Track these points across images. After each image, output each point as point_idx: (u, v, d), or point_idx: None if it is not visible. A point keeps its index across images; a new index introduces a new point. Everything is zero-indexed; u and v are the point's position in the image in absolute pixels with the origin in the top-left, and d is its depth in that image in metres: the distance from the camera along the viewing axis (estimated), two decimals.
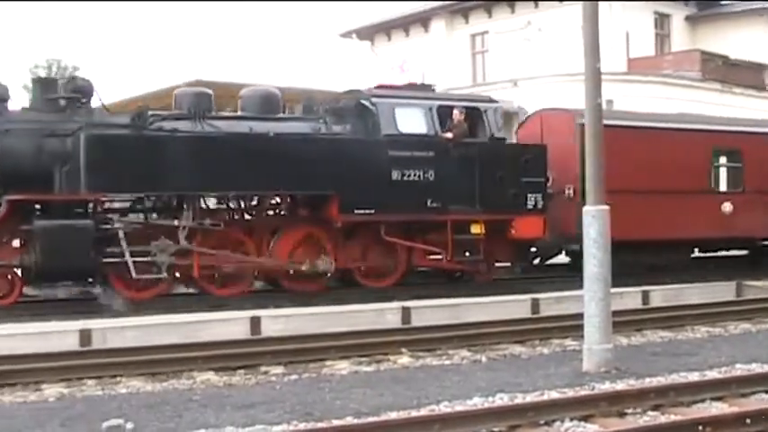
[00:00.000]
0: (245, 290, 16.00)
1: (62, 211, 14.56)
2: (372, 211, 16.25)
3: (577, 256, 19.29)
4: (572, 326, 12.61)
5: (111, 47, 72.09)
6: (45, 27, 73.61)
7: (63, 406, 9.01)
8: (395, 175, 16.35)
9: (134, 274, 14.81)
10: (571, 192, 18.25)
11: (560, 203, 18.28)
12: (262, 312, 13.39)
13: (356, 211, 16.14)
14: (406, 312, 14.21)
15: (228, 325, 12.96)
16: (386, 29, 40.91)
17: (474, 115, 17.44)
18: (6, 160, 14.49)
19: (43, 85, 15.57)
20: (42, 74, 42.81)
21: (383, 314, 14.17)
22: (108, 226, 14.91)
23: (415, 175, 16.51)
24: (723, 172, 21.23)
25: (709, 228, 19.78)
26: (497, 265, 18.07)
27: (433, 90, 18.41)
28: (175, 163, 15.10)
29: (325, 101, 17.42)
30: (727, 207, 20.02)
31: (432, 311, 14.40)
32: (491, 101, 17.95)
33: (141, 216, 15.84)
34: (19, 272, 14.75)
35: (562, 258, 20.24)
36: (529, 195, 17.36)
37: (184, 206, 15.50)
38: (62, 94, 15.14)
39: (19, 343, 11.54)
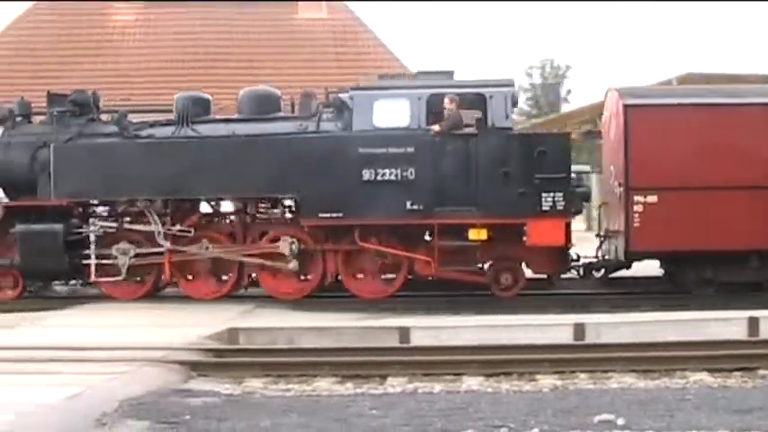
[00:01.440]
0: (223, 292, 15.85)
1: (42, 217, 15.76)
2: (340, 215, 15.11)
3: (681, 268, 15.79)
4: None
5: (600, 42, 72.70)
6: (542, 28, 76.03)
7: (556, 397, 9.24)
8: (366, 174, 15.00)
9: (92, 277, 15.85)
10: (618, 189, 15.29)
11: (610, 203, 15.78)
12: (760, 313, 12.82)
13: (320, 215, 15.15)
14: None
15: (726, 325, 12.55)
16: None
17: (474, 103, 15.34)
18: (6, 169, 16.21)
19: (51, 100, 16.57)
20: (536, 75, 43.69)
21: None
22: (80, 230, 15.85)
23: (391, 174, 14.96)
24: None
25: None
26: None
27: (451, 77, 16.01)
28: (140, 169, 15.53)
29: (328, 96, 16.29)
30: None
31: None
32: (504, 85, 15.47)
33: (117, 220, 16.23)
34: None
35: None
36: (544, 195, 14.85)
37: (151, 211, 15.73)
38: (65, 107, 16.27)
39: (518, 334, 12.06)
